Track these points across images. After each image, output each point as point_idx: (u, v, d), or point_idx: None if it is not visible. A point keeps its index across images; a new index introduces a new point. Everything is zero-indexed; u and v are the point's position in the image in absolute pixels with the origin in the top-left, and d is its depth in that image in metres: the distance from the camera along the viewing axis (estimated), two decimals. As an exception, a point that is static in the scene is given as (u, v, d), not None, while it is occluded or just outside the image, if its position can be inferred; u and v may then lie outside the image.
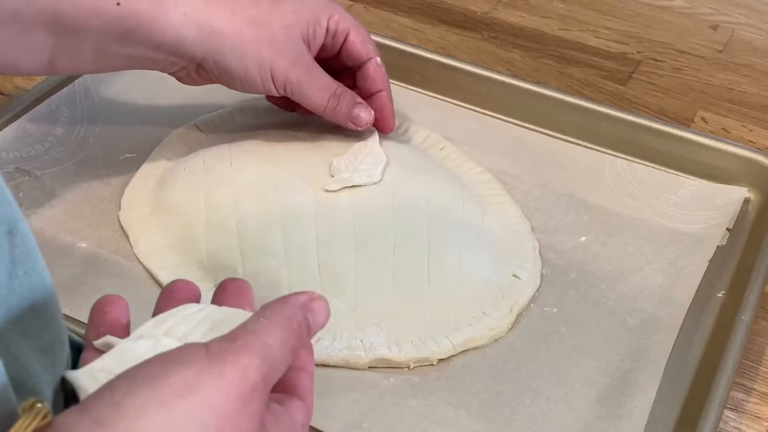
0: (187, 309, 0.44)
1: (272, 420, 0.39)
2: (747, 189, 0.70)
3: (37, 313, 0.39)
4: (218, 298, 0.46)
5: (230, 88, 0.63)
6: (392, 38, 0.82)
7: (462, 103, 0.78)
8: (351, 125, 0.66)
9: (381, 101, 0.67)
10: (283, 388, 0.41)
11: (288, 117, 0.73)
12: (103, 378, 0.39)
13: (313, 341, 0.57)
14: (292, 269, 0.60)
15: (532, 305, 0.62)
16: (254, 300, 0.47)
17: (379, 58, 0.66)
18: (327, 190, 0.64)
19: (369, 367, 0.57)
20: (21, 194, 0.66)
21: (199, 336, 0.42)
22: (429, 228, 0.63)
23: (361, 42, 0.65)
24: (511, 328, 0.60)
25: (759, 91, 0.86)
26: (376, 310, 0.59)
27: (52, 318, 0.41)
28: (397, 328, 0.58)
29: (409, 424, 0.54)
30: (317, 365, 0.57)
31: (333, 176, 0.64)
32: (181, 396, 0.35)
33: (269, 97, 0.69)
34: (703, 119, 0.82)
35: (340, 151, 0.66)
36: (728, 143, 0.72)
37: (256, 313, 0.41)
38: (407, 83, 0.79)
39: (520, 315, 0.61)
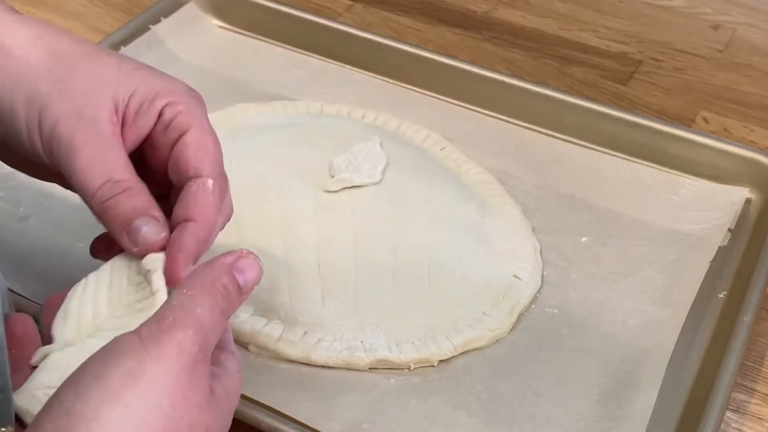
0: (76, 293, 0.44)
1: (215, 381, 0.40)
2: (748, 189, 0.70)
3: None
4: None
5: None
6: (392, 38, 0.82)
7: (462, 103, 0.78)
8: (125, 239, 0.43)
9: (180, 234, 0.43)
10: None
11: (288, 117, 0.73)
12: (42, 394, 0.39)
13: (312, 342, 0.57)
14: (292, 269, 0.60)
15: (533, 306, 0.62)
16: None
17: (211, 182, 0.45)
18: (327, 191, 0.64)
19: (369, 368, 0.57)
20: (20, 194, 0.66)
21: (116, 320, 0.42)
22: (429, 228, 0.63)
23: (196, 151, 0.45)
24: (511, 329, 0.60)
25: (760, 91, 0.86)
26: (376, 311, 0.59)
27: None
28: (398, 328, 0.58)
29: (410, 425, 0.54)
30: (318, 366, 0.57)
31: (333, 176, 0.64)
32: (130, 386, 0.36)
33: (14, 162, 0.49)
34: (705, 119, 0.82)
35: (340, 151, 0.66)
36: (729, 143, 0.72)
37: (180, 286, 0.41)
38: (407, 83, 0.79)
39: (520, 316, 0.61)
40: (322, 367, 0.57)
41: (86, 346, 0.41)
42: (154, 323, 0.38)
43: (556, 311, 0.62)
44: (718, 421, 0.53)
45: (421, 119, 0.75)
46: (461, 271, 0.61)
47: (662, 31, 0.93)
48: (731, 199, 0.70)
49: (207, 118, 0.47)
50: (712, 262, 0.65)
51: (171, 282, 0.42)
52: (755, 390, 0.60)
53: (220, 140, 0.63)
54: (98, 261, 0.47)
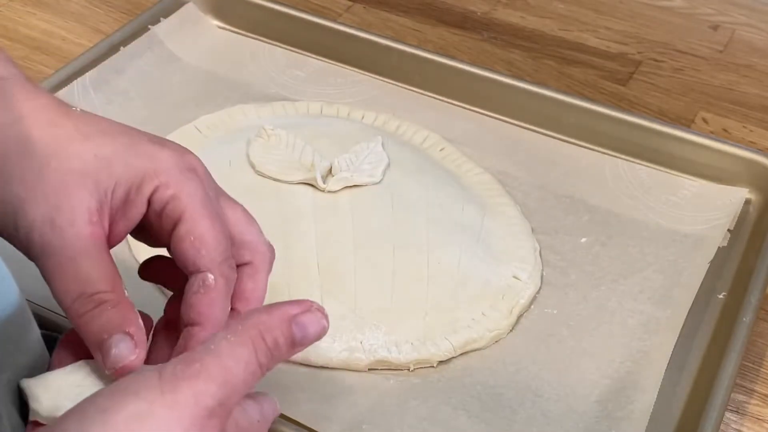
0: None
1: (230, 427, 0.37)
2: (748, 190, 0.70)
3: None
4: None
5: None
6: (392, 39, 0.82)
7: (462, 104, 0.78)
8: (98, 357, 0.40)
9: (189, 343, 0.41)
10: None
11: (288, 117, 0.73)
12: (55, 388, 0.38)
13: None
14: (292, 269, 0.60)
15: (533, 306, 0.62)
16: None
17: (211, 277, 0.41)
18: (327, 190, 0.64)
19: (369, 369, 0.57)
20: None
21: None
22: (428, 229, 0.63)
23: (194, 242, 0.41)
24: (511, 330, 0.60)
25: (760, 92, 0.86)
26: (376, 312, 0.59)
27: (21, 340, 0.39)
28: (397, 329, 0.58)
29: (410, 426, 0.54)
30: (318, 367, 0.57)
31: (333, 176, 0.64)
32: (133, 429, 0.33)
33: None
34: (704, 120, 0.82)
35: (340, 151, 0.66)
36: (729, 144, 0.72)
37: (226, 327, 0.38)
38: (407, 83, 0.79)
39: (520, 316, 0.61)
40: (322, 367, 0.57)
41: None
42: (180, 365, 0.35)
43: (555, 312, 0.62)
44: (717, 421, 0.53)
45: (420, 120, 0.75)
46: (461, 271, 0.61)
47: (662, 32, 0.93)
48: (731, 199, 0.70)
49: (203, 193, 0.42)
50: (712, 262, 0.65)
51: None
52: (755, 391, 0.60)
53: (219, 141, 0.63)
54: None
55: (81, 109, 0.44)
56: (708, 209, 0.69)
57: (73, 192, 0.40)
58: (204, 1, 0.85)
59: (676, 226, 0.68)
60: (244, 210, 0.46)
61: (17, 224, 0.40)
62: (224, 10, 0.85)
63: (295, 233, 0.61)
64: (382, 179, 0.65)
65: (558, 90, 0.78)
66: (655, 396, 0.56)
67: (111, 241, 0.41)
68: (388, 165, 0.66)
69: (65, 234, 0.39)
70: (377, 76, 0.80)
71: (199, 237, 0.41)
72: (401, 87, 0.79)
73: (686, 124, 0.81)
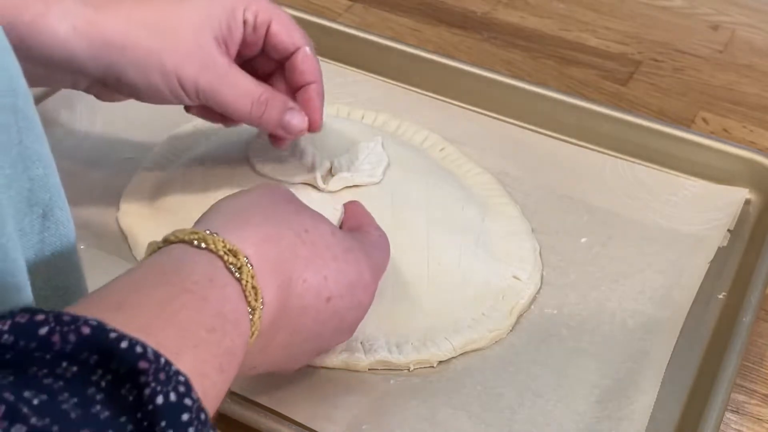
0: None
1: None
2: (748, 190, 0.70)
3: (60, 294, 0.41)
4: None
5: (144, 101, 0.57)
6: (392, 39, 0.82)
7: (462, 104, 0.78)
8: (282, 133, 0.59)
9: (307, 94, 0.60)
10: None
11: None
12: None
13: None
14: (292, 270, 0.60)
15: (533, 307, 0.62)
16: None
17: (308, 48, 0.60)
18: (327, 190, 0.63)
19: (369, 370, 0.57)
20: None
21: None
22: (429, 229, 0.63)
23: (287, 31, 0.59)
24: (511, 330, 0.60)
25: (760, 92, 0.86)
26: (376, 312, 0.59)
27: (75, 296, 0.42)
28: (397, 329, 0.58)
29: (410, 426, 0.54)
30: (317, 367, 0.57)
31: (333, 176, 0.64)
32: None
33: (189, 108, 0.61)
34: (704, 120, 0.82)
35: (340, 151, 0.66)
36: (729, 144, 0.72)
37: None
38: (407, 83, 0.79)
39: (520, 316, 0.61)
40: (322, 368, 0.57)
41: None
42: None
43: (555, 312, 0.62)
44: (717, 421, 0.53)
45: (420, 120, 0.75)
46: (461, 271, 0.61)
47: (662, 32, 0.93)
48: (731, 199, 0.70)
49: (271, 4, 0.58)
50: (712, 262, 0.65)
51: (313, 127, 0.60)
52: (755, 391, 0.60)
53: (219, 141, 0.65)
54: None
55: None
56: (708, 209, 0.69)
57: (202, 40, 0.55)
58: (204, 1, 0.85)
59: (676, 226, 0.68)
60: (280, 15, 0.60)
61: (183, 84, 0.55)
62: (224, 10, 0.85)
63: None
64: (382, 179, 0.65)
65: (558, 90, 0.78)
66: (655, 396, 0.56)
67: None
68: (388, 165, 0.66)
69: (218, 69, 0.55)
70: (377, 76, 0.80)
71: (289, 28, 0.58)
72: (401, 87, 0.79)
73: (686, 124, 0.81)
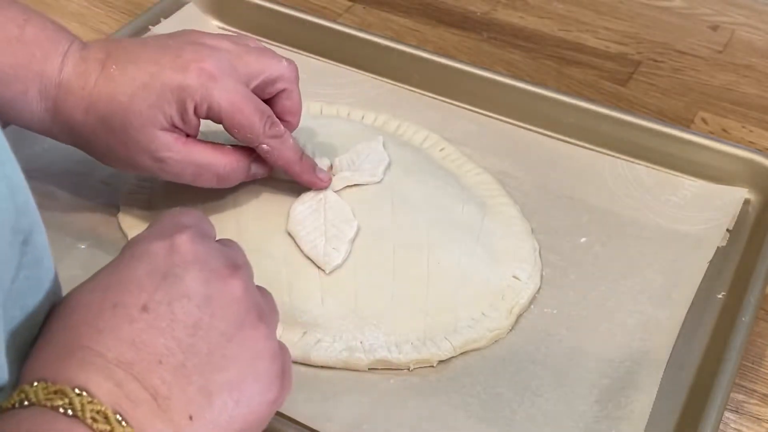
0: None
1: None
2: (747, 190, 0.70)
3: (34, 315, 0.40)
4: None
5: None
6: (391, 39, 0.82)
7: (462, 104, 0.78)
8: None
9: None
10: None
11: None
12: None
13: (312, 343, 0.57)
14: (291, 269, 0.60)
15: (532, 306, 0.62)
16: None
17: (264, 146, 0.59)
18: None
19: (369, 369, 0.57)
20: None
21: None
22: (429, 229, 0.63)
23: (238, 132, 0.58)
24: (511, 330, 0.60)
25: (759, 92, 0.86)
26: (376, 311, 0.59)
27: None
28: (397, 329, 0.58)
29: (410, 426, 0.54)
30: (317, 367, 0.57)
31: (334, 175, 0.64)
32: None
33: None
34: (703, 120, 0.82)
35: (340, 151, 0.66)
36: (728, 144, 0.72)
37: None
38: (407, 83, 0.79)
39: (520, 316, 0.61)
40: (322, 367, 0.57)
41: None
42: None
43: (555, 312, 0.62)
44: (717, 421, 0.53)
45: (420, 120, 0.75)
46: (460, 271, 0.61)
47: (661, 32, 0.93)
48: (730, 199, 0.70)
49: (232, 85, 0.57)
50: (711, 262, 0.65)
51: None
52: (754, 390, 0.60)
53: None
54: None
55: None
56: (707, 209, 0.69)
57: (152, 134, 0.56)
58: (204, 1, 0.85)
59: (676, 226, 0.68)
60: (254, 48, 0.60)
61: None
62: (224, 11, 0.85)
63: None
64: (382, 179, 0.65)
65: (558, 90, 0.78)
66: (655, 396, 0.56)
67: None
68: (389, 165, 0.66)
69: (175, 156, 0.57)
70: (377, 76, 0.80)
71: (241, 127, 0.57)
72: (401, 87, 0.79)
73: (685, 124, 0.81)
